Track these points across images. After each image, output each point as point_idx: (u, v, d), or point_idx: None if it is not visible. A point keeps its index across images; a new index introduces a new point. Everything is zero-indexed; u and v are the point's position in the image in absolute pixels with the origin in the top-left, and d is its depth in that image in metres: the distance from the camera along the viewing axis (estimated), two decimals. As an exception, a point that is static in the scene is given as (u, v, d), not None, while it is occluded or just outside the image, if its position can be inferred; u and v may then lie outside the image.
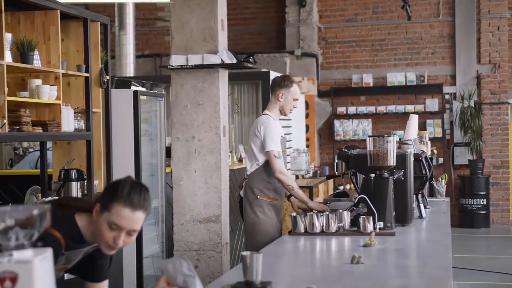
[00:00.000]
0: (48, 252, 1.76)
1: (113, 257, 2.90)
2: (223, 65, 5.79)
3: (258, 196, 5.16)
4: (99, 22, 5.80)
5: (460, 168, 12.62)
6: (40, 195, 5.42)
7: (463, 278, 8.27)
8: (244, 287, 2.70)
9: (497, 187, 12.49)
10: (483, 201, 12.15)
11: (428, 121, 12.55)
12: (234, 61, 5.83)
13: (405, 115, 12.52)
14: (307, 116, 12.29)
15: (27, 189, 5.86)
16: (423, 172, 4.97)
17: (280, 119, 8.24)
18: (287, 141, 8.78)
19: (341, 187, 11.99)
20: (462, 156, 12.49)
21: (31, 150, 8.43)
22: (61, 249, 2.60)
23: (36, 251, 1.74)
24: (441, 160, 12.45)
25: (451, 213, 12.09)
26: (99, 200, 2.63)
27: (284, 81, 5.29)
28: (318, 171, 10.91)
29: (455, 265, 8.45)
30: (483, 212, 12.18)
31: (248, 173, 5.28)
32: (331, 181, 11.15)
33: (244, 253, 2.70)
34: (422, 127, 12.25)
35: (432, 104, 12.54)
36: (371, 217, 4.16)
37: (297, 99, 5.32)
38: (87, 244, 2.73)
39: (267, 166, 5.14)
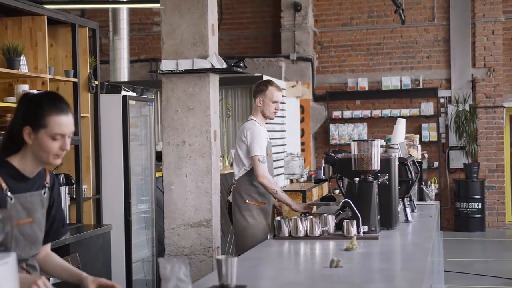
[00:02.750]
0: (11, 257, 1.78)
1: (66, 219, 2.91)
2: (213, 70, 5.81)
3: (247, 201, 5.23)
4: (87, 28, 5.82)
5: (455, 171, 12.63)
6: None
7: (457, 282, 8.27)
8: (219, 291, 2.72)
9: (492, 191, 12.50)
10: (478, 205, 12.15)
11: (423, 125, 12.55)
12: (224, 65, 5.84)
13: (400, 119, 12.51)
14: (302, 120, 12.31)
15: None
16: (409, 176, 4.97)
17: (272, 123, 8.25)
18: (275, 145, 8.83)
19: (337, 191, 11.99)
20: (457, 160, 12.50)
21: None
22: (2, 190, 2.61)
23: (-2, 255, 1.76)
24: (436, 164, 12.46)
25: (447, 217, 12.23)
26: (25, 123, 2.65)
27: (259, 86, 5.37)
28: (313, 175, 10.90)
29: (449, 269, 8.46)
30: (479, 215, 12.19)
31: (236, 178, 5.35)
32: (325, 185, 11.15)
33: (219, 257, 2.72)
34: (417, 131, 12.26)
35: (427, 108, 12.55)
36: (355, 221, 4.18)
37: (276, 101, 5.34)
38: (32, 182, 2.74)
39: None
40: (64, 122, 2.67)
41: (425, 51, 12.75)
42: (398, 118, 5.71)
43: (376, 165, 4.35)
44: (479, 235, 12.00)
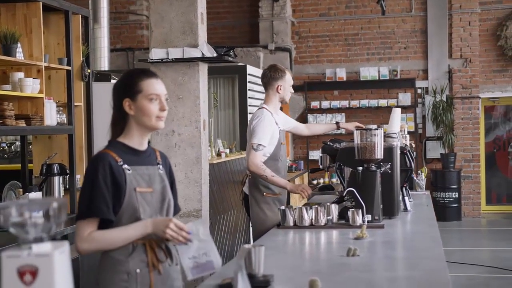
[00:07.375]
0: (66, 246, 1.74)
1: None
2: (203, 59, 5.77)
3: (265, 193, 5.12)
4: (80, 15, 5.73)
5: (432, 161, 12.75)
6: (21, 190, 5.34)
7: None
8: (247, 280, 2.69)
9: (468, 181, 12.64)
10: (454, 195, 12.30)
11: (401, 115, 12.61)
12: (215, 54, 5.81)
13: (378, 109, 12.62)
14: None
15: (5, 184, 5.77)
16: (408, 164, 4.99)
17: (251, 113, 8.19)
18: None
19: (321, 180, 12.05)
20: (434, 150, 12.62)
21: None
22: (113, 159, 2.76)
23: (55, 244, 1.72)
24: (414, 153, 12.54)
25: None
26: (124, 96, 2.83)
27: (278, 73, 5.29)
28: (293, 166, 10.93)
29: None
30: (455, 205, 12.33)
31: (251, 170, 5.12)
32: (306, 175, 11.20)
33: (247, 246, 2.70)
34: (395, 121, 12.33)
35: (405, 98, 12.65)
36: (360, 210, 4.18)
37: (292, 85, 5.40)
38: (144, 157, 2.86)
39: (271, 162, 5.09)
40: (155, 84, 2.83)
41: (403, 42, 12.83)
42: (393, 108, 5.73)
43: (379, 154, 4.35)
44: (456, 224, 12.14)
